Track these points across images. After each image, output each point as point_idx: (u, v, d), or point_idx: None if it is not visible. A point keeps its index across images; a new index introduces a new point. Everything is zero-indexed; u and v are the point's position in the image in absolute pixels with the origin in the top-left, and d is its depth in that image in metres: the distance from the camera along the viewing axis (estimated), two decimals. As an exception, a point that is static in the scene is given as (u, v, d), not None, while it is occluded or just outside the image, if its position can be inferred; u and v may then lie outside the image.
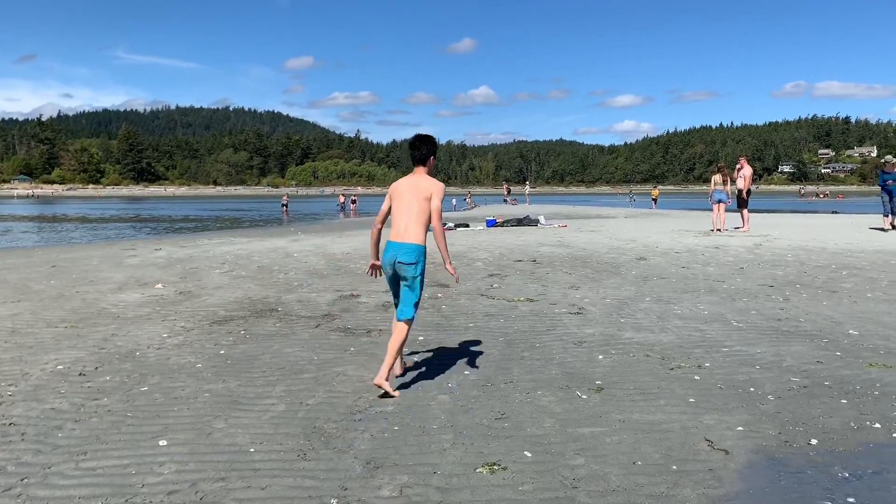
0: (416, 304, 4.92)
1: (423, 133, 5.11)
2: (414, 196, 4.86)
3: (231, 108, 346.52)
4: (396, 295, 5.01)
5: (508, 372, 5.29)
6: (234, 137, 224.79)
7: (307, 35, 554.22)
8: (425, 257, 4.89)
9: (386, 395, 4.69)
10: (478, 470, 3.52)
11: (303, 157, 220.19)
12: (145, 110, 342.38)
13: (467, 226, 21.86)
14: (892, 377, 5.05)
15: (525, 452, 3.74)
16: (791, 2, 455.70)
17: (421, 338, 6.40)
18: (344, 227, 26.84)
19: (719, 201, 17.97)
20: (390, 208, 4.99)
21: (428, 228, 4.88)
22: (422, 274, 4.88)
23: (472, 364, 5.49)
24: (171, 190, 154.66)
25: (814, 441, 3.90)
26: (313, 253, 13.82)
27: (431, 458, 3.69)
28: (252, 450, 3.82)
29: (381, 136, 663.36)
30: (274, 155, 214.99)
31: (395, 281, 4.95)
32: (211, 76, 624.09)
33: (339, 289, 9.30)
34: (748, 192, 18.21)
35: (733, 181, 18.31)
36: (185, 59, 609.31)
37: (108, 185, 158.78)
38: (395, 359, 4.88)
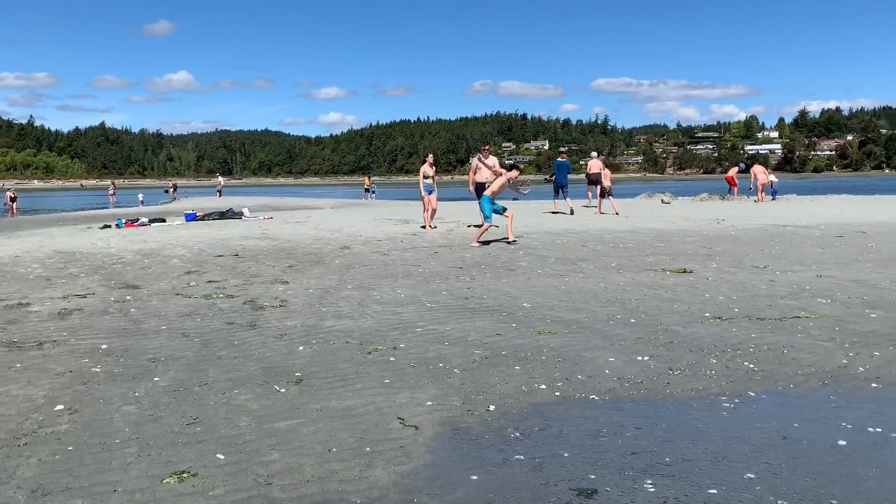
0: (488, 216, 12.77)
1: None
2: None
3: None
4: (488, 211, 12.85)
5: (203, 373, 5.03)
6: None
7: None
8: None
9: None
10: (165, 481, 3.30)
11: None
12: None
13: (163, 220, 20.38)
14: (556, 342, 5.75)
15: (218, 455, 3.58)
16: (478, 4, 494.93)
17: (104, 346, 5.81)
18: (14, 226, 23.50)
19: (431, 192, 18.81)
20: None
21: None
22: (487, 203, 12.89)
23: (162, 369, 5.14)
24: None
25: (492, 407, 4.29)
26: (-28, 258, 11.86)
27: (112, 475, 3.37)
28: None
29: (62, 123, 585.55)
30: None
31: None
32: None
33: (5, 297, 8.10)
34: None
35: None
36: None
37: None
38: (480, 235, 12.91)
